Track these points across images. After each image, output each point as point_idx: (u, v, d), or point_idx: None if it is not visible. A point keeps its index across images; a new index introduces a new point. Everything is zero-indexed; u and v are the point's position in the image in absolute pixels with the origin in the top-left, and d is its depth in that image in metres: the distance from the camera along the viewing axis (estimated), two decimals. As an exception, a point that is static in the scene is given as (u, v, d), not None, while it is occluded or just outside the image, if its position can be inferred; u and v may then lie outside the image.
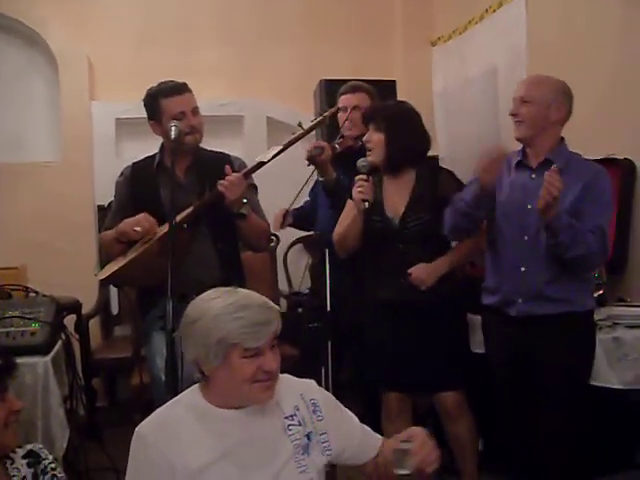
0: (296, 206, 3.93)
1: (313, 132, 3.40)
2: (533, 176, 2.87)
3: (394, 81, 4.84)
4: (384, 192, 3.26)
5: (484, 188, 2.81)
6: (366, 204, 3.05)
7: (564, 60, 3.87)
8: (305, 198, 4.05)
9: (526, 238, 2.83)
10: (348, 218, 3.21)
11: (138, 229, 2.89)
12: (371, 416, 3.31)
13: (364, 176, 3.08)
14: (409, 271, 3.11)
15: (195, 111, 3.06)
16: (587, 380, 2.84)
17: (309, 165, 3.54)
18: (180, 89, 3.06)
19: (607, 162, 3.32)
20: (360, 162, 3.12)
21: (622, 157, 3.51)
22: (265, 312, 1.79)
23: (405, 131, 3.19)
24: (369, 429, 2.07)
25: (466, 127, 4.98)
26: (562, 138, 2.90)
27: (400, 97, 4.70)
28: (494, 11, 4.65)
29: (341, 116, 3.69)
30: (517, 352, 2.87)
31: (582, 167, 2.83)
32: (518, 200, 2.87)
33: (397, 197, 3.20)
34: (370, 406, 3.47)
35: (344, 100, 3.73)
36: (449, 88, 5.28)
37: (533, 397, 2.85)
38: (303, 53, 5.46)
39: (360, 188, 3.05)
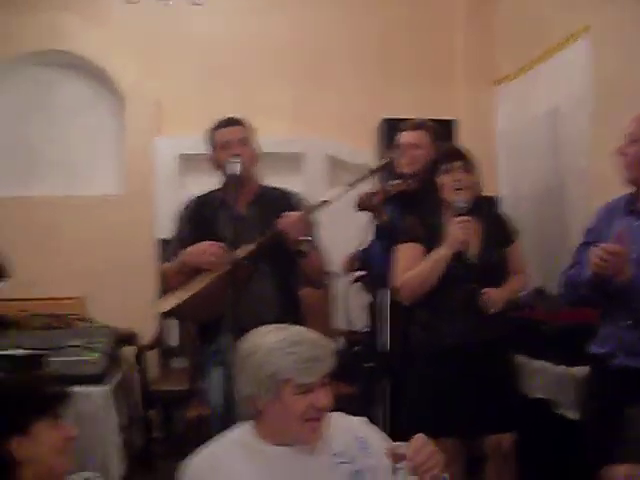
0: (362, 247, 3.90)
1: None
2: (638, 222, 2.65)
3: (451, 121, 4.83)
4: None
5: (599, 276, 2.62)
6: (464, 245, 3.06)
7: (630, 102, 3.80)
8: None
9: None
10: (417, 262, 3.15)
11: (213, 259, 2.92)
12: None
13: (467, 217, 3.06)
14: (484, 290, 3.06)
15: (243, 141, 3.11)
16: None
17: (358, 211, 3.56)
18: (231, 122, 3.16)
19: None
20: (460, 203, 3.09)
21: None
22: (318, 349, 1.79)
23: (479, 176, 3.24)
24: None
25: (528, 167, 4.94)
26: None
27: (462, 136, 4.71)
28: (558, 51, 4.62)
29: (399, 153, 3.64)
30: (612, 406, 2.60)
31: None
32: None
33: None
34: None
35: (404, 137, 3.70)
36: (512, 127, 5.25)
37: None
38: (365, 91, 5.49)
39: (466, 230, 3.04)
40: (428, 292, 3.14)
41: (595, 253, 2.48)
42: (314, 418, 1.79)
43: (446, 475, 1.74)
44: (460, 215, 3.06)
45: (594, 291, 2.69)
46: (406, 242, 3.21)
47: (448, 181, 3.16)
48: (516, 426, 3.15)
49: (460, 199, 3.11)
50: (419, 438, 1.75)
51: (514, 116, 5.24)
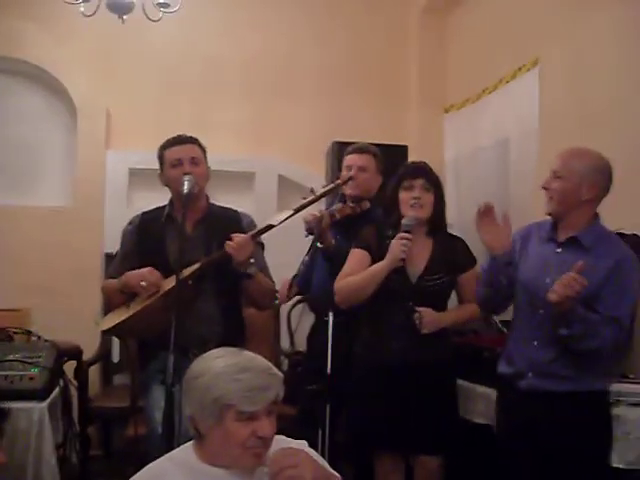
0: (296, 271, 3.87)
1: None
2: (558, 250, 2.76)
3: (406, 146, 4.88)
4: None
5: (492, 249, 2.80)
6: (402, 262, 3.08)
7: (577, 133, 3.90)
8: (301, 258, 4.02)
9: (541, 312, 2.72)
10: (360, 269, 3.18)
11: (144, 284, 2.89)
12: (363, 477, 3.28)
13: (408, 235, 3.08)
14: (417, 309, 3.09)
15: (194, 161, 3.08)
16: (599, 463, 2.68)
17: (307, 236, 3.54)
18: (181, 140, 3.13)
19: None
20: (407, 220, 3.12)
21: (630, 233, 3.50)
22: (265, 378, 1.79)
23: (444, 197, 3.29)
24: None
25: (476, 196, 5.00)
26: (596, 214, 2.78)
27: (411, 162, 4.75)
28: (507, 82, 4.71)
29: (344, 175, 3.65)
30: (526, 427, 2.75)
31: (611, 249, 2.70)
32: (538, 273, 2.76)
33: (417, 257, 3.18)
34: (362, 467, 3.43)
35: (350, 160, 3.72)
36: (460, 156, 5.33)
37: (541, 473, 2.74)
38: (318, 114, 5.54)
39: (404, 247, 3.05)
40: (370, 306, 3.18)
41: (577, 281, 2.47)
42: (255, 446, 1.77)
43: None
44: (405, 232, 3.09)
45: (496, 275, 2.83)
46: (357, 248, 3.26)
47: (406, 197, 3.20)
48: (444, 450, 3.18)
49: (408, 216, 3.15)
50: (284, 448, 1.79)
51: (462, 144, 5.32)
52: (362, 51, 5.70)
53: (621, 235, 3.44)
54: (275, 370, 1.84)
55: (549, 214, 2.82)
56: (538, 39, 4.41)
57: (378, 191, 3.75)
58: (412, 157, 4.82)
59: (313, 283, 3.77)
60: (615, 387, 2.95)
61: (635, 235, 3.47)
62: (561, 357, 2.69)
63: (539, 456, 2.72)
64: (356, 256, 3.26)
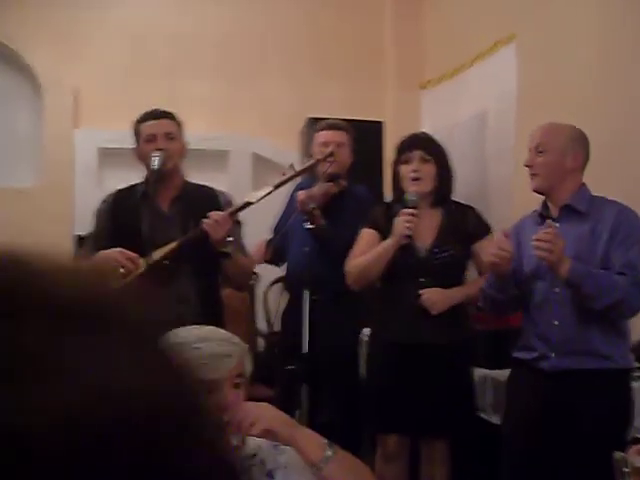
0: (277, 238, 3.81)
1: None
2: (557, 225, 2.66)
3: (381, 122, 4.82)
4: None
5: (500, 275, 2.71)
6: (408, 239, 3.02)
7: (555, 107, 3.87)
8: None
9: (557, 290, 2.65)
10: (370, 249, 3.13)
11: (122, 271, 2.80)
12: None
13: (413, 210, 3.01)
14: (421, 292, 3.03)
15: (169, 136, 3.01)
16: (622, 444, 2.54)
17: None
18: (157, 115, 3.06)
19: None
20: (410, 196, 3.06)
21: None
22: (226, 345, 1.74)
23: (449, 164, 3.24)
24: None
25: (455, 171, 4.97)
26: (583, 184, 2.76)
27: (389, 138, 4.69)
28: (484, 57, 4.66)
29: (321, 151, 3.55)
30: (545, 409, 2.64)
31: (606, 209, 2.67)
32: None
33: (424, 230, 3.12)
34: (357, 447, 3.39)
35: (324, 136, 3.66)
36: (438, 132, 5.27)
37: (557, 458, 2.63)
38: (292, 90, 5.45)
39: (408, 224, 2.99)
40: (382, 284, 3.17)
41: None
42: None
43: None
44: (411, 207, 3.03)
45: (500, 292, 2.77)
46: (366, 228, 3.21)
47: (406, 171, 3.14)
48: (450, 434, 3.13)
49: (411, 191, 3.08)
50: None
51: (439, 121, 5.27)
52: (337, 26, 5.60)
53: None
54: (237, 340, 1.79)
55: (535, 191, 2.78)
56: (514, 14, 4.37)
57: (349, 168, 3.70)
58: (388, 133, 4.76)
59: (288, 260, 3.73)
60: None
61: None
62: (585, 333, 2.62)
63: (556, 436, 2.62)
64: (365, 236, 3.21)
